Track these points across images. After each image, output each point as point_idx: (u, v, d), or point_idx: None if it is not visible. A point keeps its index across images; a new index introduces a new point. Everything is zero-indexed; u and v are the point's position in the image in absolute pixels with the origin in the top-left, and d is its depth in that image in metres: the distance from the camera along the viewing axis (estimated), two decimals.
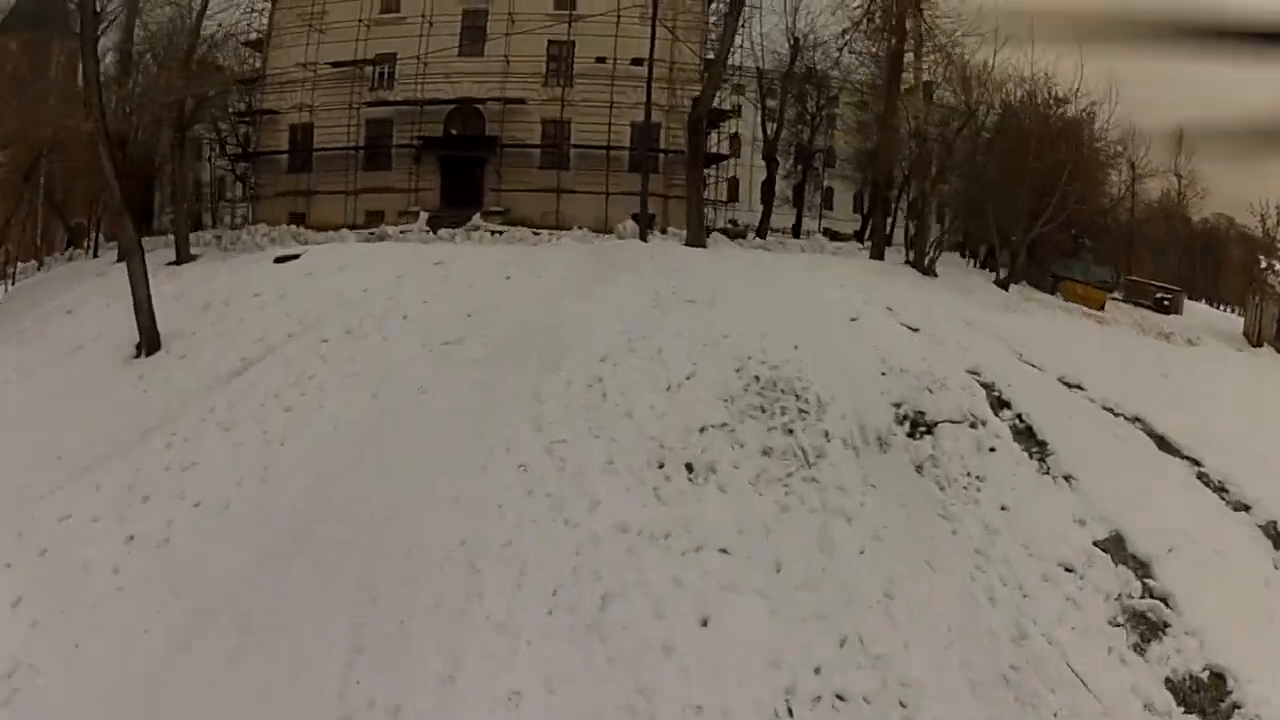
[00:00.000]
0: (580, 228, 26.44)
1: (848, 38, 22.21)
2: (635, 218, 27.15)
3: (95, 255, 27.46)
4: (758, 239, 31.53)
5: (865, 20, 21.07)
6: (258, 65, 29.64)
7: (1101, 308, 29.31)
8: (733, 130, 33.70)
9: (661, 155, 27.68)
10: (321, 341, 12.33)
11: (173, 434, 10.78)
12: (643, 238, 19.06)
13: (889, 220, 31.73)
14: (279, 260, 15.87)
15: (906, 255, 18.44)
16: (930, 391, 11.33)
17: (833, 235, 48.25)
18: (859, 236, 47.79)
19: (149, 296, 14.02)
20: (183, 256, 19.37)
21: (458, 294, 13.68)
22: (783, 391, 10.89)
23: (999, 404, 11.49)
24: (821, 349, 11.85)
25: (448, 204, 27.65)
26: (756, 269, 15.71)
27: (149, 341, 13.89)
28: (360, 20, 28.19)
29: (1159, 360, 17.53)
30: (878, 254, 19.32)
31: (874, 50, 24.08)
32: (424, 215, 26.57)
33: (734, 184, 40.43)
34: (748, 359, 11.41)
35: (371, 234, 18.10)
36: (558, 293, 13.66)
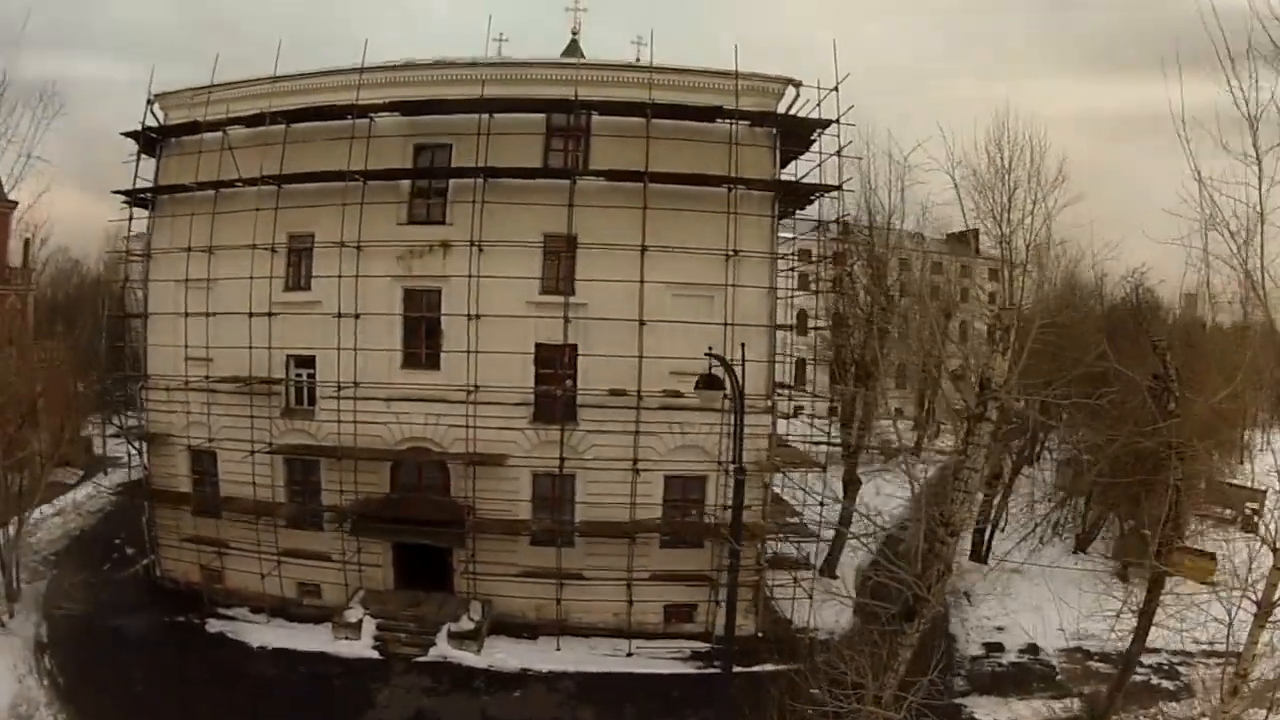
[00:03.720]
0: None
1: None
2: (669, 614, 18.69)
3: None
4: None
5: None
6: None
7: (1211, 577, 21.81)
8: None
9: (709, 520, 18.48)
10: None
11: None
12: None
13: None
14: None
15: None
16: None
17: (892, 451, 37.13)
18: (916, 444, 37.06)
19: None
20: None
21: None
22: None
23: None
24: None
25: (404, 583, 19.11)
26: None
27: None
28: (251, 313, 18.71)
29: None
30: None
31: None
32: (370, 624, 18.35)
33: None
34: None
35: None
36: None
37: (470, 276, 17.21)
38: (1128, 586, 21.92)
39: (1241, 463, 34.10)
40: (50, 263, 42.38)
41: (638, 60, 37.64)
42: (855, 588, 21.67)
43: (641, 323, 17.11)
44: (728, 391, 10.95)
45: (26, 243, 34.10)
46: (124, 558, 22.42)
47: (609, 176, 17.36)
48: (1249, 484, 31.55)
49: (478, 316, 17.51)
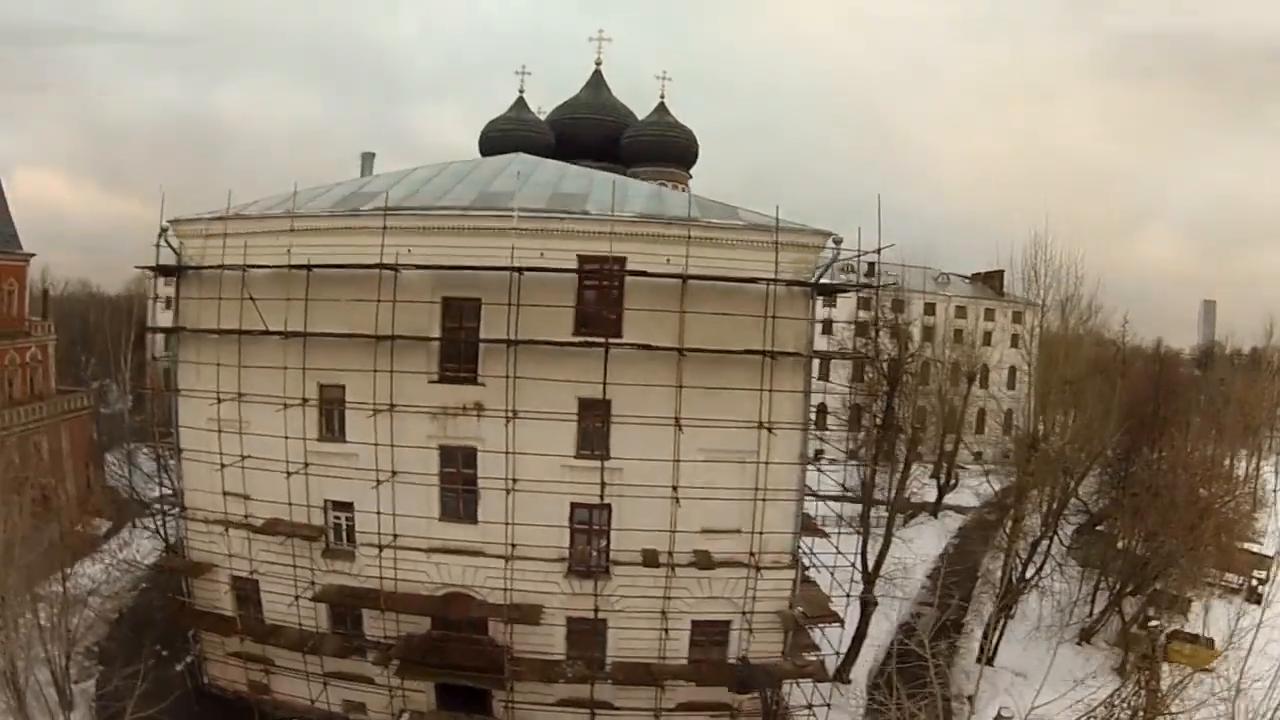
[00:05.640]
0: None
1: None
2: None
3: None
4: None
5: None
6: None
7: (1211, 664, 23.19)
8: None
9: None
10: None
11: None
12: None
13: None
14: None
15: None
16: None
17: (905, 513, 36.96)
18: (936, 502, 36.74)
19: None
20: None
21: None
22: None
23: None
24: None
25: (445, 705, 19.96)
26: None
27: None
28: (289, 471, 18.82)
29: None
30: None
31: None
32: None
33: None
34: None
35: None
36: None
37: (507, 453, 17.25)
38: (1126, 684, 23.08)
39: (1254, 512, 34.44)
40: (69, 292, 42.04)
41: (662, 98, 36.68)
42: (867, 689, 22.92)
43: (676, 495, 17.38)
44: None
45: (45, 292, 33.79)
46: (167, 650, 23.13)
47: (643, 347, 17.12)
48: (1259, 542, 31.91)
49: (514, 481, 17.76)
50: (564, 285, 17.51)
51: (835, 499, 26.23)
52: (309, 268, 17.94)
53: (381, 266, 17.38)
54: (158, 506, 21.91)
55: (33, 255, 32.30)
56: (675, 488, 17.41)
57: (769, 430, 17.10)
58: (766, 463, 17.18)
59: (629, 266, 17.31)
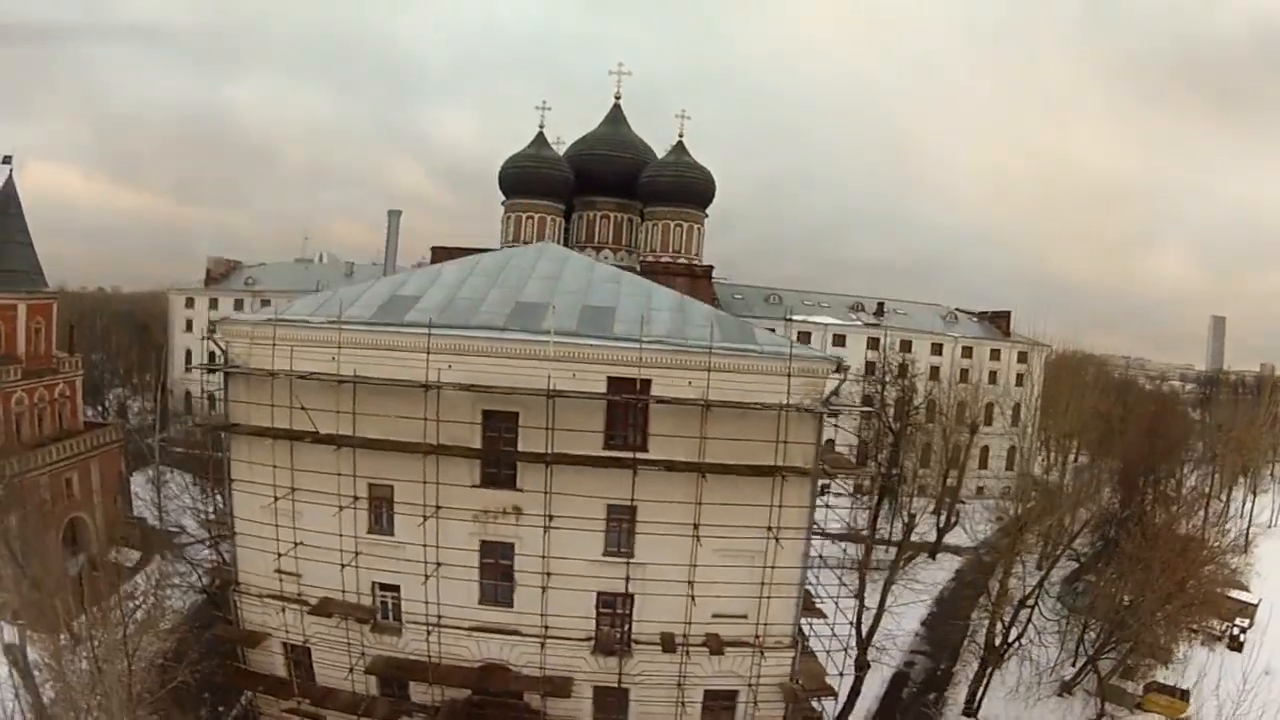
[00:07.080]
0: None
1: None
2: None
3: None
4: None
5: None
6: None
7: (1184, 715, 26.13)
8: None
9: None
10: None
11: None
12: None
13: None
14: None
15: None
16: None
17: (908, 554, 39.04)
18: (935, 543, 38.83)
19: None
20: None
21: None
22: None
23: None
24: None
25: None
26: None
27: None
28: (340, 553, 20.73)
29: None
30: None
31: None
32: None
33: None
34: None
35: None
36: None
37: (544, 557, 19.39)
38: None
39: (1246, 550, 36.60)
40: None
41: (681, 137, 38.59)
42: None
43: (692, 594, 19.70)
44: None
45: (71, 328, 34.69)
46: (222, 705, 25.39)
47: (668, 466, 19.16)
48: (1246, 588, 33.99)
49: (549, 575, 19.98)
50: (595, 402, 19.36)
51: (839, 537, 28.74)
52: (355, 380, 19.57)
53: (426, 386, 19.09)
54: (213, 584, 23.82)
55: (59, 293, 33.26)
56: (691, 583, 19.69)
57: (777, 540, 19.32)
58: (774, 566, 19.45)
59: (654, 389, 19.15)
